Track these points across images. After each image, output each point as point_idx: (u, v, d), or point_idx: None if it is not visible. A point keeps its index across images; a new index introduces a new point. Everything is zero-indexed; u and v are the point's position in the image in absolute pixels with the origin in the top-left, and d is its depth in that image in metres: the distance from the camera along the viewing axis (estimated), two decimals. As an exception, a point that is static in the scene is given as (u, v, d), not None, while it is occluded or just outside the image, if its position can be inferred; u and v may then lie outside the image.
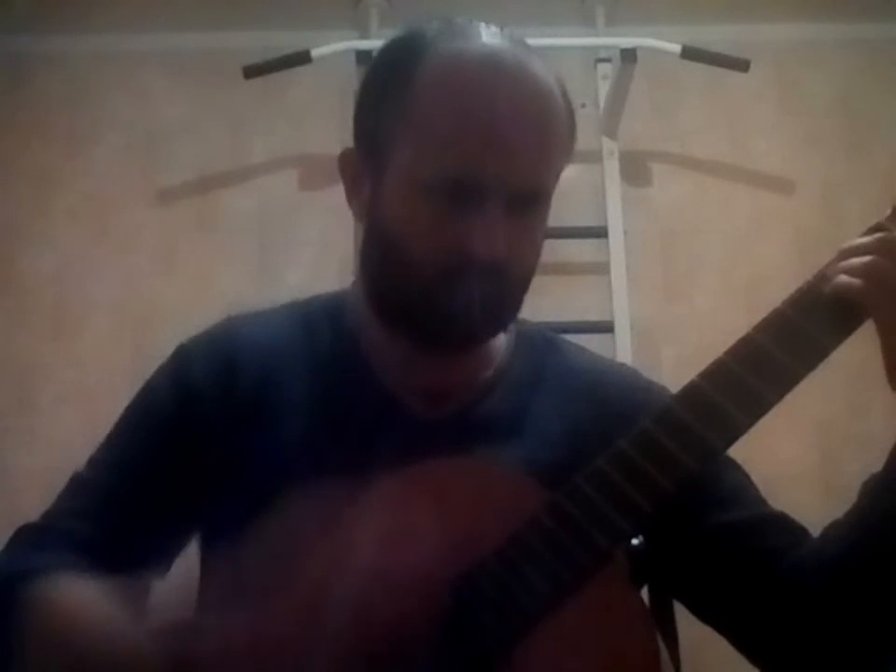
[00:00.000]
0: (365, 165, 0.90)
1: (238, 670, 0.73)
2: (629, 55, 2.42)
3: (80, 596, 0.81)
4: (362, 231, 0.93)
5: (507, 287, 0.86)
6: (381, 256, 0.89)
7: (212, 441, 0.90)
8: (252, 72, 2.37)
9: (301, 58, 2.30)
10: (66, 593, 0.81)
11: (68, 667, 0.79)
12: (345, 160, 0.93)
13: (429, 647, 0.76)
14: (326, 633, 0.73)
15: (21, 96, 2.69)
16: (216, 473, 0.89)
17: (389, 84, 0.89)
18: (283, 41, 2.38)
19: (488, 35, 0.89)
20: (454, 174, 0.83)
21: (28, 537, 0.90)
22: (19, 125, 2.66)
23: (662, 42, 2.45)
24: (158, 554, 0.90)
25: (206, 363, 0.93)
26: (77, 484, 0.93)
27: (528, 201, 0.86)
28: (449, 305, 0.84)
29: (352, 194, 0.93)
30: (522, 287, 0.90)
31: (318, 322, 0.96)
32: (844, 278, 0.77)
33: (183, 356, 0.95)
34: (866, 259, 0.77)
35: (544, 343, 1.00)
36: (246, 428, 0.90)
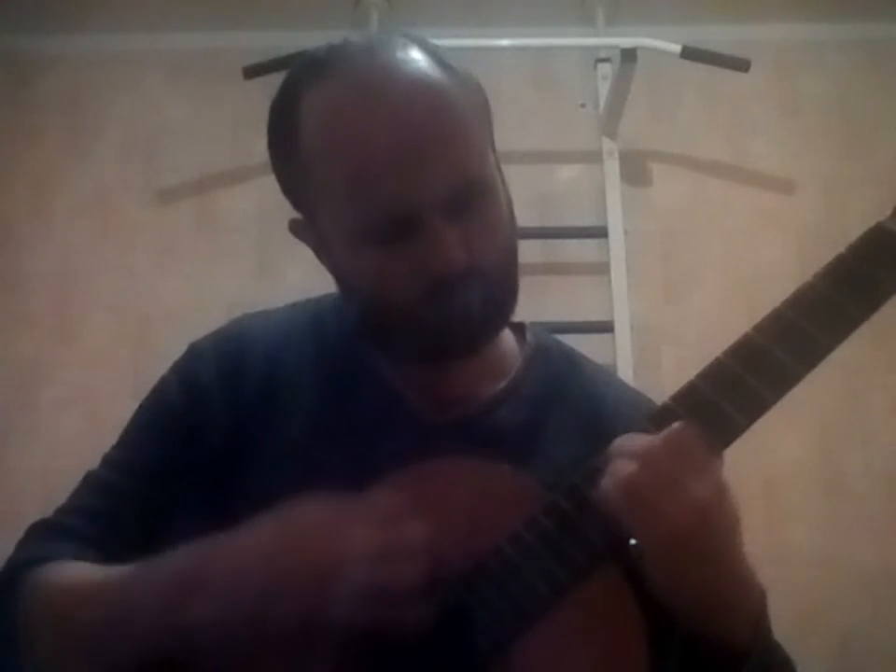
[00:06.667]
0: (313, 230, 0.89)
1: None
2: (629, 55, 2.42)
3: (81, 572, 0.82)
4: (338, 285, 0.92)
5: (488, 285, 0.83)
6: (360, 307, 0.88)
7: (219, 441, 0.90)
8: (252, 72, 2.37)
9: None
10: (67, 572, 0.83)
11: (74, 644, 0.79)
12: (298, 228, 0.91)
13: (428, 644, 0.76)
14: (324, 627, 0.72)
15: (21, 96, 2.69)
16: (222, 473, 0.89)
17: (283, 152, 0.87)
18: (283, 41, 2.37)
19: (355, 53, 0.84)
20: (379, 214, 0.80)
21: (39, 532, 0.91)
22: (19, 125, 2.66)
23: (662, 42, 2.45)
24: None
25: (215, 362, 0.93)
26: (90, 483, 0.93)
27: (469, 196, 0.82)
28: (438, 324, 0.82)
29: (320, 255, 0.91)
30: (506, 278, 0.86)
31: (328, 321, 0.96)
32: (608, 486, 0.73)
33: (193, 355, 0.95)
34: (629, 469, 0.72)
35: (562, 358, 0.98)
36: (253, 428, 0.90)
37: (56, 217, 2.59)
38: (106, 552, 0.85)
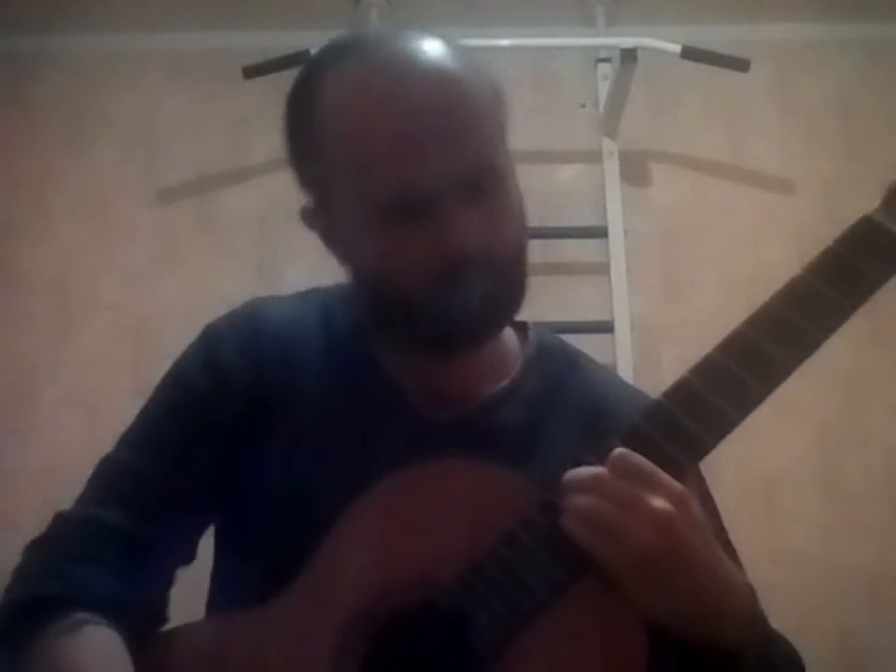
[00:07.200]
0: (325, 215, 0.89)
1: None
2: (629, 55, 2.42)
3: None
4: (348, 272, 0.92)
5: (499, 273, 0.84)
6: (370, 293, 0.88)
7: (240, 420, 0.90)
8: (252, 72, 2.37)
9: (301, 58, 2.29)
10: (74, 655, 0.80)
11: None
12: (307, 216, 0.92)
13: (424, 645, 0.76)
14: (323, 628, 0.73)
15: (21, 96, 2.69)
16: (235, 454, 0.89)
17: (299, 133, 0.88)
18: (283, 41, 2.38)
19: (378, 40, 0.86)
20: (394, 194, 0.81)
21: (60, 535, 0.88)
22: (19, 125, 2.66)
23: (662, 42, 2.45)
24: (187, 538, 0.92)
25: (236, 343, 0.93)
26: (110, 468, 0.92)
27: (483, 182, 0.83)
28: (448, 310, 0.83)
29: (329, 243, 0.92)
30: (516, 269, 0.87)
31: (335, 311, 0.97)
32: (568, 522, 0.74)
33: (212, 335, 0.96)
34: (584, 501, 0.74)
35: (565, 359, 0.98)
36: (270, 408, 0.90)
37: (56, 217, 2.59)
38: (133, 542, 0.85)
